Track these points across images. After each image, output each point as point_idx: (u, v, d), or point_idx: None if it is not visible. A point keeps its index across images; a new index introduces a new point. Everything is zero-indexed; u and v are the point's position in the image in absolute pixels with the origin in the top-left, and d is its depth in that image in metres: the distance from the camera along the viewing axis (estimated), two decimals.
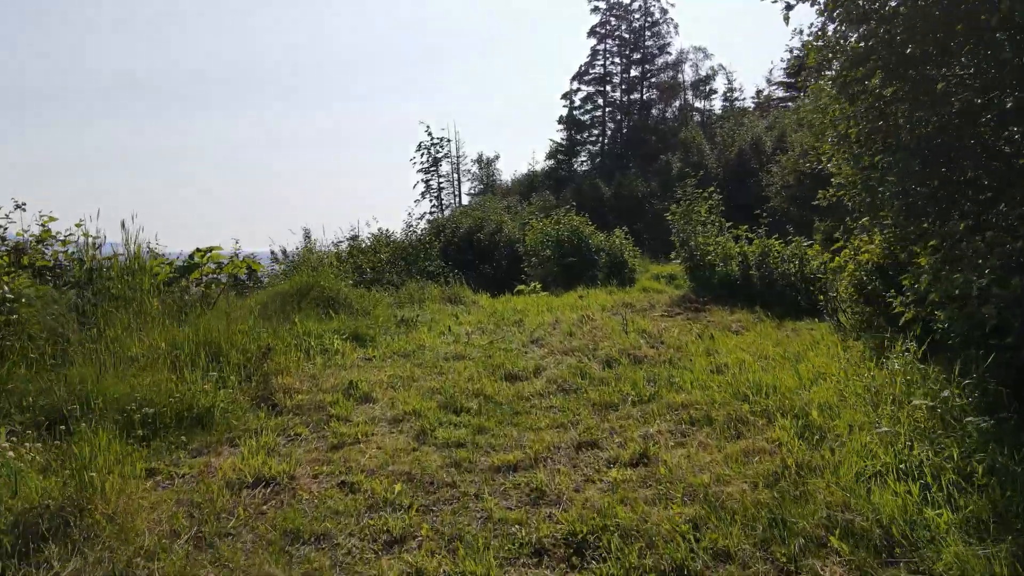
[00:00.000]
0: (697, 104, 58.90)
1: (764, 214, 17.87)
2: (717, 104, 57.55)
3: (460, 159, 74.44)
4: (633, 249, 22.13)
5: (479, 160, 74.92)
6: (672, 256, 19.60)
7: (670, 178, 36.69)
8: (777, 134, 34.42)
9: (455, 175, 75.25)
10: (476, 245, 28.25)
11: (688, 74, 57.23)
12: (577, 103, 56.98)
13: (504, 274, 27.28)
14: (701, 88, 57.45)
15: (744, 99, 59.77)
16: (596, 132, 57.05)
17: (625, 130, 56.30)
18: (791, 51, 58.76)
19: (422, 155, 73.12)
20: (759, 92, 67.02)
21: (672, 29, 53.61)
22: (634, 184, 35.74)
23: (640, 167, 52.59)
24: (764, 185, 31.09)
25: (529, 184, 54.42)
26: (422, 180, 73.42)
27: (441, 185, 73.79)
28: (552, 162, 54.91)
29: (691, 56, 57.30)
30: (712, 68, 57.23)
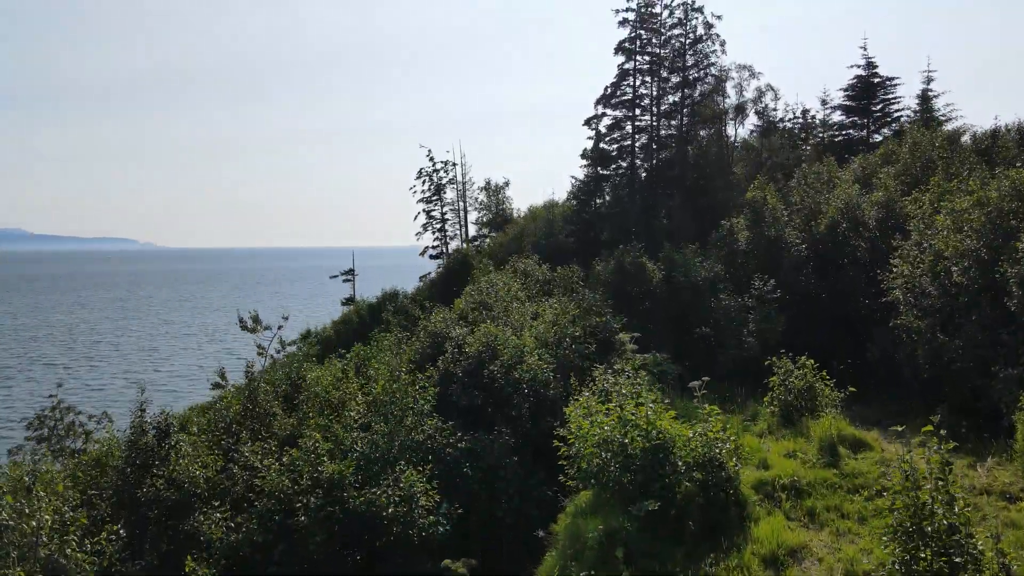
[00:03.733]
0: (740, 130, 50.63)
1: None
2: (750, 123, 49.30)
3: (467, 185, 66.41)
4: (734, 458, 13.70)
5: (487, 187, 66.86)
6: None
7: (736, 252, 28.45)
8: (882, 200, 26.13)
9: (461, 203, 67.08)
10: (488, 383, 20.10)
11: (731, 96, 48.91)
12: (603, 130, 48.74)
13: (531, 438, 19.18)
14: (746, 112, 49.08)
15: (788, 120, 51.51)
16: (624, 164, 48.82)
17: (656, 161, 48.05)
18: (858, 66, 50.66)
19: (423, 182, 65.03)
20: (805, 112, 58.84)
21: (718, 47, 45.20)
22: (692, 265, 27.47)
23: (681, 213, 44.37)
24: (878, 283, 22.93)
25: (548, 229, 46.28)
26: (424, 211, 65.33)
27: (445, 215, 65.70)
28: (574, 202, 46.69)
29: (735, 75, 48.90)
30: (759, 88, 48.85)
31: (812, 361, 19.55)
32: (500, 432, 18.49)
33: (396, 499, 15.28)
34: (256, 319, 39.61)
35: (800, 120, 57.36)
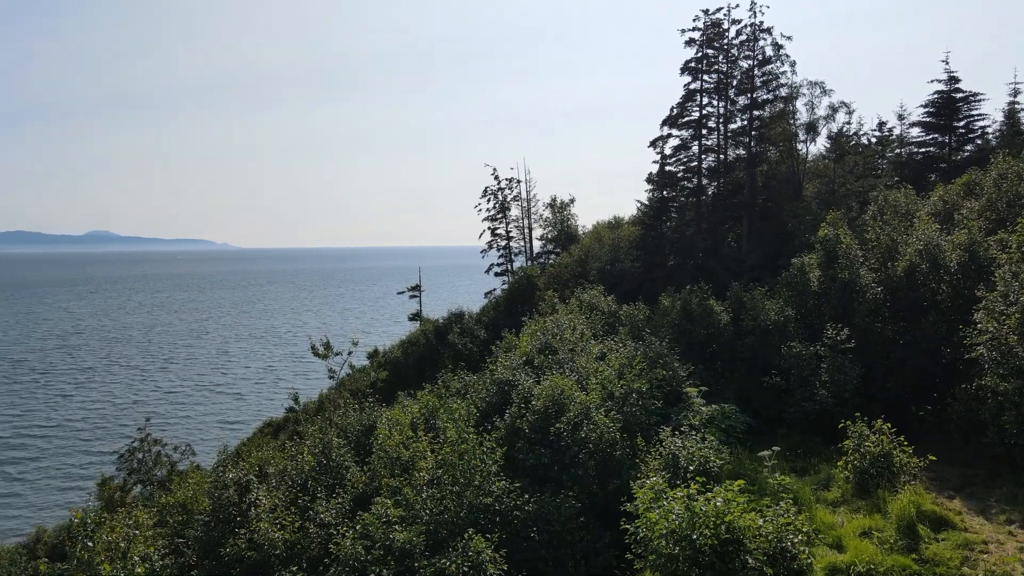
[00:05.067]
0: (812, 147, 49.21)
1: None
2: (822, 141, 47.93)
3: (531, 202, 66.64)
4: None
5: (552, 204, 66.96)
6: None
7: (807, 294, 27.73)
8: (964, 243, 25.06)
9: (525, 220, 67.41)
10: (555, 440, 20.24)
11: (802, 114, 47.61)
12: (668, 151, 48.17)
13: (597, 499, 19.25)
14: (818, 130, 47.67)
15: (863, 134, 49.83)
16: (691, 186, 48.11)
17: (723, 184, 47.17)
18: (939, 80, 48.57)
19: (488, 200, 65.66)
20: (882, 124, 56.81)
21: (788, 68, 44.06)
22: (761, 308, 26.91)
23: (749, 239, 43.51)
24: (960, 331, 22.03)
25: (613, 254, 46.05)
26: (488, 228, 66.00)
27: (510, 232, 66.15)
28: (639, 228, 46.27)
29: (805, 92, 47.56)
30: (831, 106, 47.38)
31: (889, 425, 18.97)
32: (566, 495, 18.61)
33: (465, 569, 15.61)
34: (327, 345, 40.98)
35: (876, 133, 55.48)
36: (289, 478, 20.29)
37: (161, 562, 18.18)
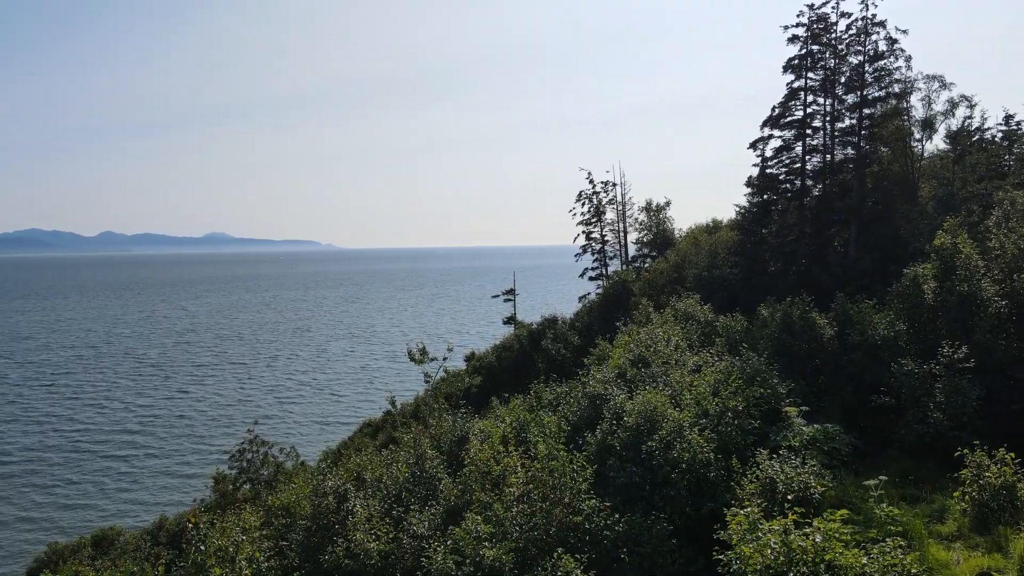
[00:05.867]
0: (928, 144, 46.26)
1: None
2: (939, 138, 44.77)
3: (626, 205, 65.83)
4: None
5: (648, 207, 65.94)
6: None
7: (922, 308, 26.03)
8: None
9: (620, 224, 66.62)
10: (647, 459, 19.92)
11: (918, 109, 44.82)
12: (769, 153, 46.43)
13: (690, 521, 18.81)
14: (935, 127, 44.75)
15: (986, 129, 46.28)
16: (794, 189, 46.17)
17: (828, 187, 45.00)
18: None
19: (583, 204, 65.33)
20: (1009, 118, 52.87)
21: (903, 63, 41.57)
22: (869, 322, 25.48)
23: (857, 245, 41.35)
24: None
25: (710, 260, 44.84)
26: (583, 232, 65.66)
27: (605, 236, 65.58)
28: (738, 233, 44.85)
29: (921, 86, 44.73)
30: (951, 100, 44.38)
31: (1012, 455, 17.56)
32: (658, 516, 18.28)
33: None
34: (424, 351, 41.94)
35: (1003, 128, 51.63)
36: (384, 487, 20.91)
37: (266, 563, 19.16)
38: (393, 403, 43.47)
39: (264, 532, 21.44)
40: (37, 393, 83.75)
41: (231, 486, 31.86)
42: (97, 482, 53.71)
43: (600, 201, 63.78)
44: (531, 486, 18.95)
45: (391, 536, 18.16)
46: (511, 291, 66.40)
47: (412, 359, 41.18)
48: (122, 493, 51.58)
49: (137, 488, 52.48)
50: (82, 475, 55.11)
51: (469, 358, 55.85)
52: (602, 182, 64.09)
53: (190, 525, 16.67)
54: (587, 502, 18.37)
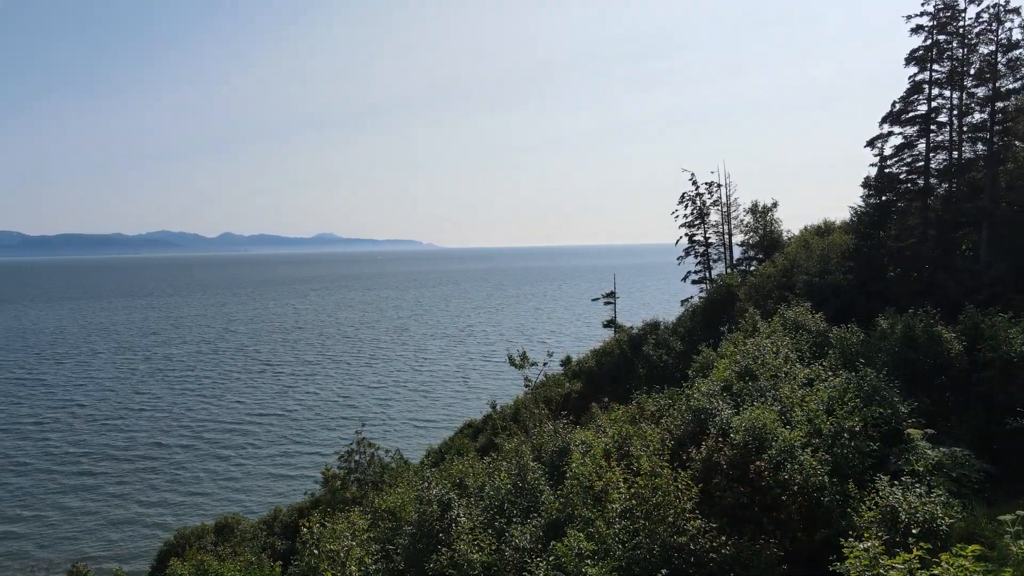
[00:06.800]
0: None
1: None
2: None
3: (731, 207, 63.80)
4: None
5: (753, 209, 63.65)
6: None
7: None
8: None
9: (725, 226, 64.57)
10: (755, 479, 19.20)
11: None
12: (888, 151, 43.77)
13: (803, 547, 17.99)
14: None
15: None
16: (916, 188, 43.33)
17: (956, 187, 41.92)
18: None
19: (685, 206, 63.75)
20: None
21: None
22: (1005, 336, 23.52)
23: (989, 251, 38.30)
24: None
25: (822, 265, 42.76)
26: (685, 235, 64.06)
27: (708, 239, 63.79)
28: (853, 236, 42.50)
29: None
30: None
31: None
32: (767, 540, 17.58)
33: None
34: (524, 356, 42.16)
35: None
36: (487, 497, 21.14)
37: (374, 566, 19.78)
38: (494, 407, 43.96)
39: (371, 535, 22.14)
40: (160, 385, 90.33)
41: (339, 483, 33.18)
42: (211, 471, 57.39)
43: (704, 203, 62.14)
44: (634, 502, 18.65)
45: (493, 548, 18.33)
46: (611, 294, 65.66)
47: (513, 364, 41.47)
48: (232, 482, 54.85)
49: (245, 478, 55.63)
50: (202, 464, 59.02)
51: (565, 362, 55.69)
52: (706, 183, 62.42)
53: (304, 529, 17.44)
54: (692, 522, 17.90)
